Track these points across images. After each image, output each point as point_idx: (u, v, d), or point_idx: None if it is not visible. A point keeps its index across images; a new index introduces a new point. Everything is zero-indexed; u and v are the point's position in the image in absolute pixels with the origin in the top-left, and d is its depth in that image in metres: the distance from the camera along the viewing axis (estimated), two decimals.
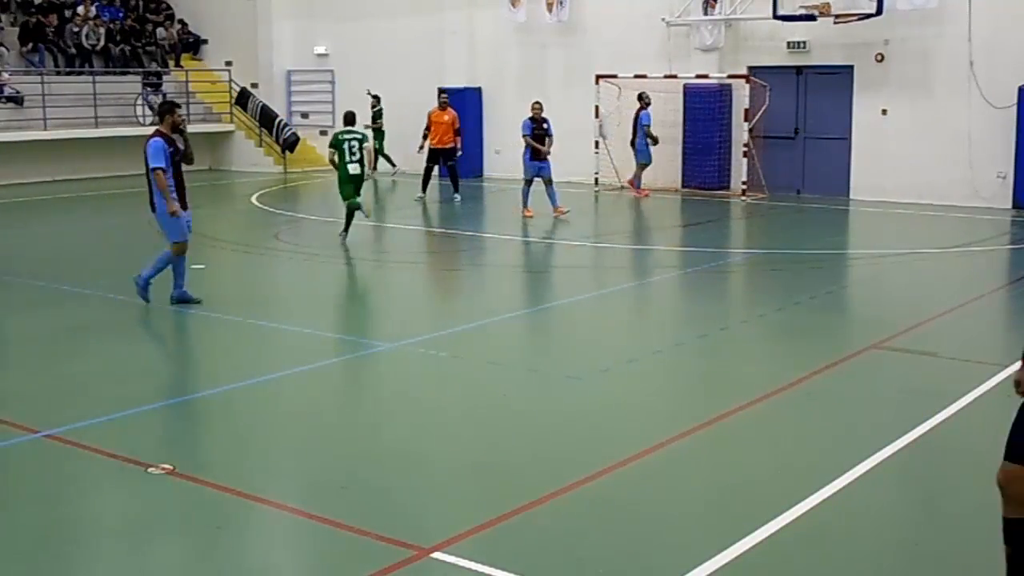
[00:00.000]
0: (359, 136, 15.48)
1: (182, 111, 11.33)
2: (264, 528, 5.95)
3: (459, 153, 21.10)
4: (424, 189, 20.84)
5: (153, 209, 11.09)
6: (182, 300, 11.18)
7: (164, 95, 27.25)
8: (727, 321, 11.06)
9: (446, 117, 20.81)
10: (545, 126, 18.04)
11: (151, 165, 10.79)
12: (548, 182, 17.96)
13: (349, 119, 16.02)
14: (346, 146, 15.21)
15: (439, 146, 20.80)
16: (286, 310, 11.70)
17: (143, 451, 6.87)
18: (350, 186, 15.27)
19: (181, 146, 11.08)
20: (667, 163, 21.78)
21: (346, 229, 15.33)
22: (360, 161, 15.34)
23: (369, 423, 7.82)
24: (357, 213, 15.28)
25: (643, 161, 20.94)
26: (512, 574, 5.18)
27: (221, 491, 6.27)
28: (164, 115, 11.11)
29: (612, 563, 5.34)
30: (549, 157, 17.97)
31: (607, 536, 5.64)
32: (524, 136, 17.97)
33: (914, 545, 5.63)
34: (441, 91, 21.91)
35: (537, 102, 18.40)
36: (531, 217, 17.83)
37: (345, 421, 7.90)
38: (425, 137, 21.02)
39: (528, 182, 18.06)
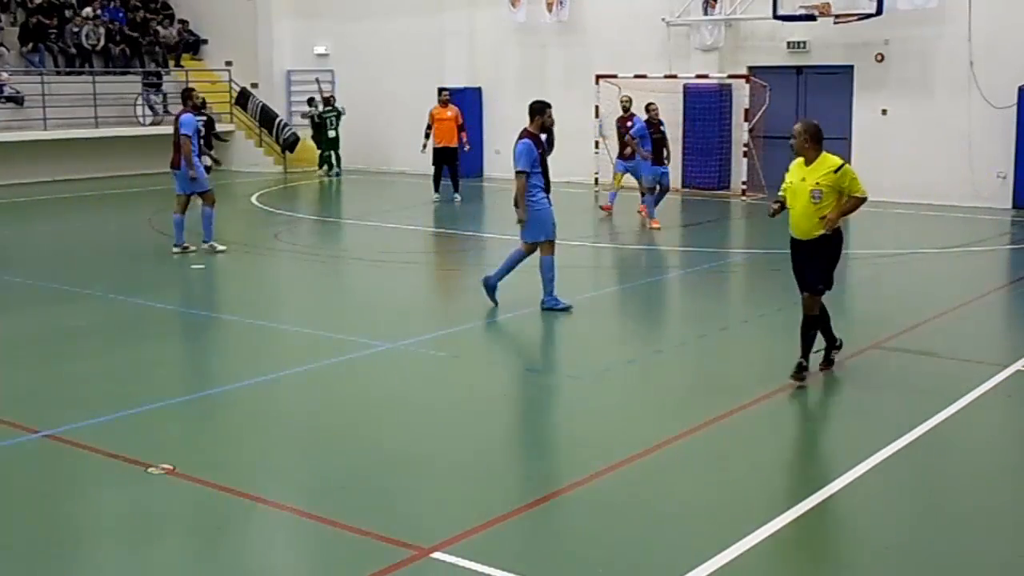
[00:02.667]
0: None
1: (552, 110, 10.81)
2: (264, 528, 5.95)
3: (467, 148, 21.00)
4: (437, 189, 20.73)
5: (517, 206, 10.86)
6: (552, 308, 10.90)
7: (164, 95, 27.29)
8: (727, 321, 11.06)
9: (449, 113, 20.67)
10: (663, 128, 17.09)
11: (517, 168, 10.49)
12: (653, 190, 17.00)
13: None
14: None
15: (444, 145, 20.69)
16: (286, 310, 11.71)
17: (143, 451, 6.87)
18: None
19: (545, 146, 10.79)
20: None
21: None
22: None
23: (369, 423, 7.82)
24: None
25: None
26: (512, 574, 5.18)
27: (221, 491, 6.27)
28: (535, 115, 10.70)
29: (612, 563, 5.35)
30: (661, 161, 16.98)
31: (607, 536, 5.64)
32: (634, 139, 16.86)
33: (914, 545, 5.63)
34: (441, 89, 21.80)
35: (652, 103, 17.46)
36: (659, 229, 16.57)
37: (345, 421, 7.90)
38: (427, 136, 20.87)
39: (652, 190, 16.94)
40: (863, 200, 8.14)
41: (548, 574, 5.26)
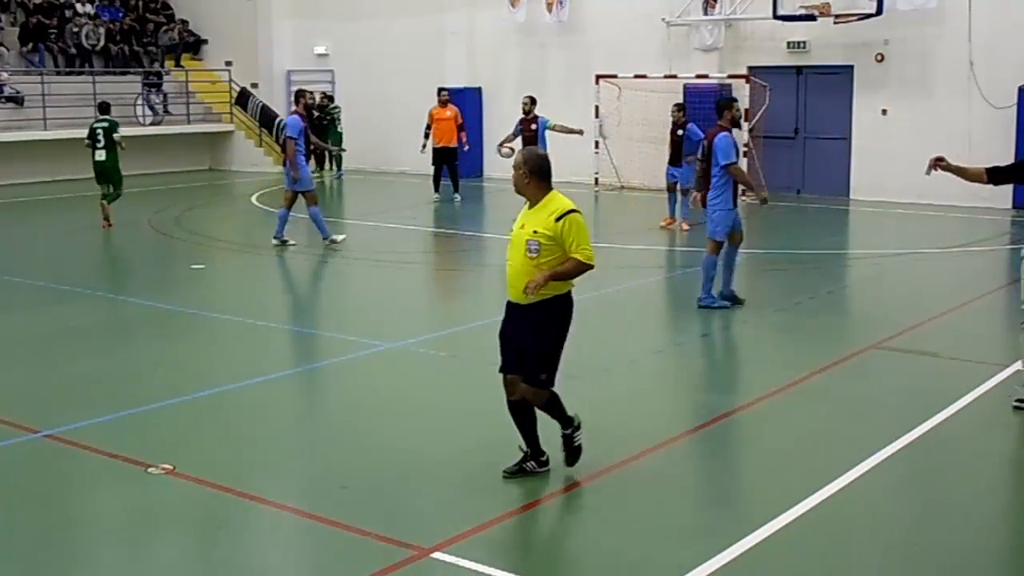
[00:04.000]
0: (105, 124, 17.28)
1: (739, 105, 10.80)
2: (264, 528, 5.95)
3: (467, 148, 20.99)
4: (437, 189, 20.71)
5: (704, 205, 11.18)
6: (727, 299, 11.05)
7: (165, 95, 27.29)
8: (727, 321, 11.06)
9: (448, 113, 20.64)
10: (680, 132, 17.03)
11: (728, 161, 10.64)
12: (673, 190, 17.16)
13: (103, 108, 18.03)
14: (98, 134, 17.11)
15: (443, 145, 20.66)
16: (286, 310, 11.71)
17: (143, 451, 6.87)
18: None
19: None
20: (667, 163, 21.75)
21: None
22: (104, 148, 17.25)
23: (369, 423, 7.82)
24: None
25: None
26: (512, 574, 5.18)
27: (221, 491, 6.27)
28: (723, 109, 10.72)
29: (612, 563, 5.34)
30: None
31: (607, 536, 5.64)
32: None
33: (913, 545, 5.63)
34: (441, 89, 21.76)
35: (675, 104, 17.49)
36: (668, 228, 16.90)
37: (345, 421, 7.90)
38: (427, 136, 20.85)
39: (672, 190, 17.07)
40: (586, 267, 6.18)
41: (548, 574, 5.26)
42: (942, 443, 7.19)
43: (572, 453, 6.48)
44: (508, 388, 6.38)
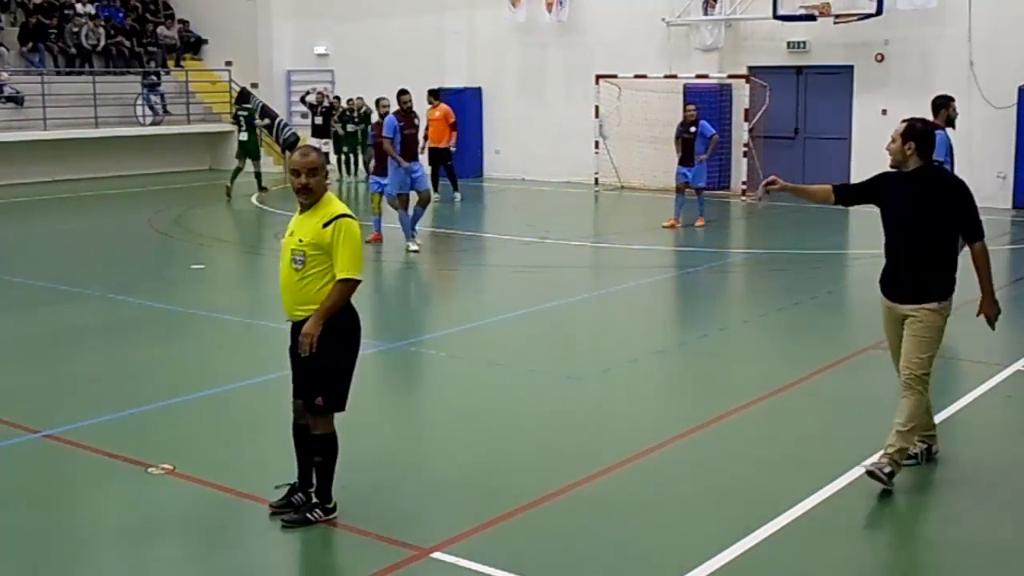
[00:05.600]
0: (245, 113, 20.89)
1: (955, 103, 10.61)
2: (264, 528, 5.94)
3: (453, 148, 20.82)
4: (436, 189, 20.56)
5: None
6: None
7: (162, 95, 27.28)
8: (727, 321, 11.06)
9: (437, 113, 20.47)
10: (692, 130, 16.87)
11: (939, 158, 10.22)
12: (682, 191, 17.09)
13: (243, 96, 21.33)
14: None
15: (435, 146, 20.53)
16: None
17: (143, 451, 6.87)
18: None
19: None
20: (667, 163, 21.75)
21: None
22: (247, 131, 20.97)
23: (369, 423, 7.80)
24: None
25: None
26: (512, 574, 5.18)
27: (221, 491, 6.27)
28: (939, 108, 10.48)
29: (612, 563, 5.34)
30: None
31: (607, 536, 5.64)
32: (716, 136, 16.94)
33: (913, 544, 5.62)
34: (430, 90, 21.20)
35: (688, 104, 17.45)
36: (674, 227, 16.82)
37: (345, 421, 7.88)
38: (425, 138, 20.68)
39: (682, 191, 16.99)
40: (350, 286, 5.57)
41: (548, 574, 5.26)
42: (942, 443, 7.19)
43: (299, 518, 5.67)
44: (296, 413, 5.96)
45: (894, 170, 6.43)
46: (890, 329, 6.46)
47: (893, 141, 6.48)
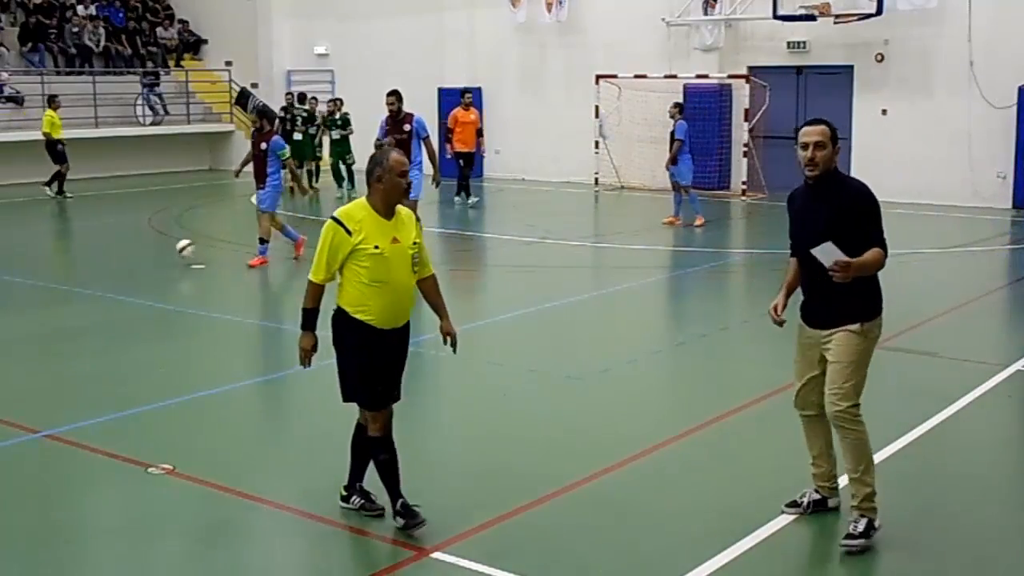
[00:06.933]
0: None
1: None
2: (264, 528, 5.95)
3: (483, 154, 20.61)
4: (466, 193, 20.24)
5: None
6: None
7: (162, 95, 27.28)
8: (727, 321, 11.06)
9: (472, 117, 20.18)
10: (671, 129, 16.99)
11: None
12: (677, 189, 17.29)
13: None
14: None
15: (463, 149, 20.16)
16: (286, 310, 11.69)
17: (143, 451, 6.87)
18: None
19: None
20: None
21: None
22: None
23: None
24: None
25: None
26: (512, 574, 5.18)
27: (221, 491, 6.27)
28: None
29: (612, 563, 5.34)
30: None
31: (607, 536, 5.64)
32: (679, 140, 16.75)
33: (914, 544, 5.62)
34: (465, 91, 21.02)
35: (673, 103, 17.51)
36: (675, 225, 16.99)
37: (345, 421, 7.88)
38: (449, 141, 20.22)
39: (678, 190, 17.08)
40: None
41: (548, 574, 5.26)
42: (942, 443, 7.19)
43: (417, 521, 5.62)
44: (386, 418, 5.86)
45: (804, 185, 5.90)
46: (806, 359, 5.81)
47: (820, 148, 5.81)
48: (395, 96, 13.39)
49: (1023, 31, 18.67)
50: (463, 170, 20.30)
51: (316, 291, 5.80)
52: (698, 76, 21.55)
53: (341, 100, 22.66)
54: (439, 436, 7.43)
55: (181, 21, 29.57)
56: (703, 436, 7.27)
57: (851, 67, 20.50)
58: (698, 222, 16.95)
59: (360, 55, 26.68)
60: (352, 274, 5.66)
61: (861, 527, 5.44)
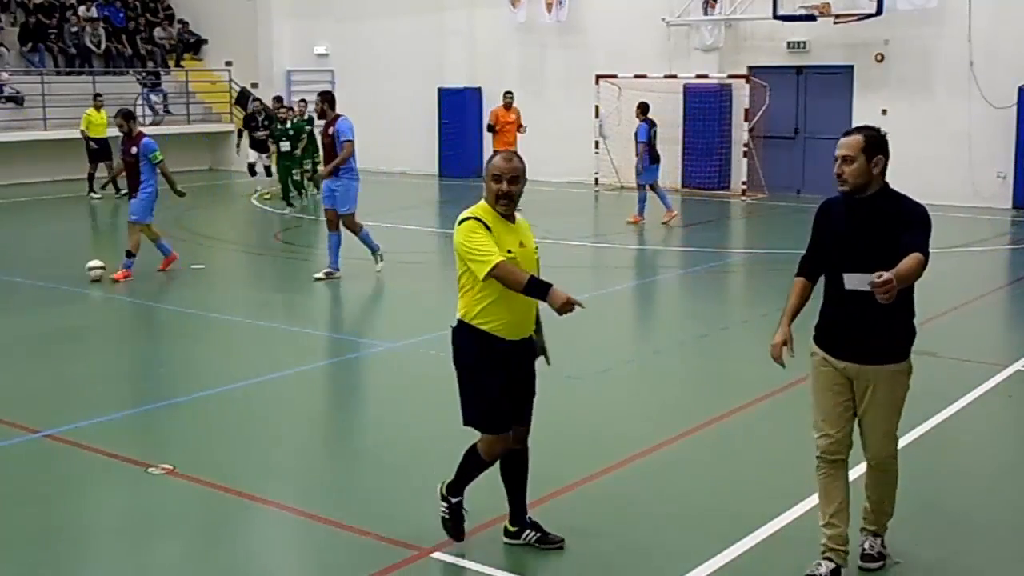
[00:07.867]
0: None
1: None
2: (264, 528, 5.95)
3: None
4: None
5: None
6: None
7: (163, 95, 27.28)
8: (727, 321, 11.06)
9: (512, 117, 19.56)
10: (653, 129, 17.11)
11: None
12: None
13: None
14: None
15: (505, 148, 19.86)
16: (286, 310, 11.70)
17: (143, 451, 6.87)
18: None
19: None
20: (667, 163, 21.74)
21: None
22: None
23: (369, 423, 7.82)
24: None
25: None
26: (512, 574, 5.18)
27: (221, 491, 6.27)
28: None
29: (612, 563, 5.34)
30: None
31: (607, 536, 5.64)
32: (642, 143, 16.89)
33: (913, 544, 5.62)
34: (507, 92, 20.02)
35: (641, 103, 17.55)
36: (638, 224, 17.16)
37: (345, 421, 7.90)
38: (493, 134, 19.56)
39: (652, 187, 17.24)
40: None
41: (548, 574, 5.26)
42: (942, 443, 7.19)
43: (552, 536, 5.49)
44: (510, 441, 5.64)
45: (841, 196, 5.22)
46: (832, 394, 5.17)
47: (848, 162, 5.24)
48: (319, 96, 12.70)
49: (1023, 31, 18.67)
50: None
51: (508, 265, 5.17)
52: (698, 76, 21.56)
53: (305, 102, 20.36)
54: (439, 436, 7.42)
55: (181, 21, 29.57)
56: (703, 436, 7.27)
57: (851, 67, 20.51)
58: (632, 219, 17.10)
59: (360, 55, 26.68)
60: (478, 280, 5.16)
61: (878, 551, 5.27)
